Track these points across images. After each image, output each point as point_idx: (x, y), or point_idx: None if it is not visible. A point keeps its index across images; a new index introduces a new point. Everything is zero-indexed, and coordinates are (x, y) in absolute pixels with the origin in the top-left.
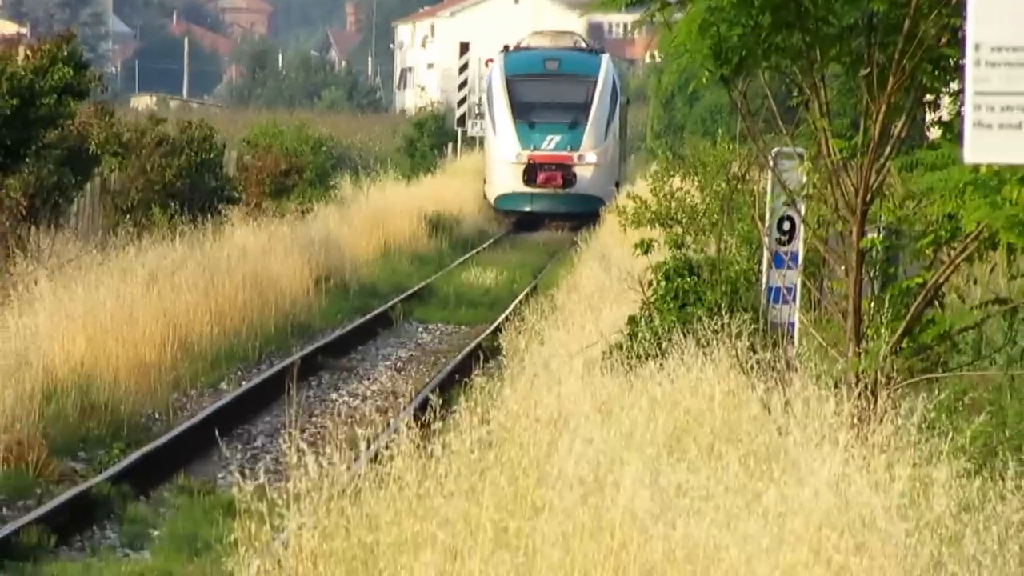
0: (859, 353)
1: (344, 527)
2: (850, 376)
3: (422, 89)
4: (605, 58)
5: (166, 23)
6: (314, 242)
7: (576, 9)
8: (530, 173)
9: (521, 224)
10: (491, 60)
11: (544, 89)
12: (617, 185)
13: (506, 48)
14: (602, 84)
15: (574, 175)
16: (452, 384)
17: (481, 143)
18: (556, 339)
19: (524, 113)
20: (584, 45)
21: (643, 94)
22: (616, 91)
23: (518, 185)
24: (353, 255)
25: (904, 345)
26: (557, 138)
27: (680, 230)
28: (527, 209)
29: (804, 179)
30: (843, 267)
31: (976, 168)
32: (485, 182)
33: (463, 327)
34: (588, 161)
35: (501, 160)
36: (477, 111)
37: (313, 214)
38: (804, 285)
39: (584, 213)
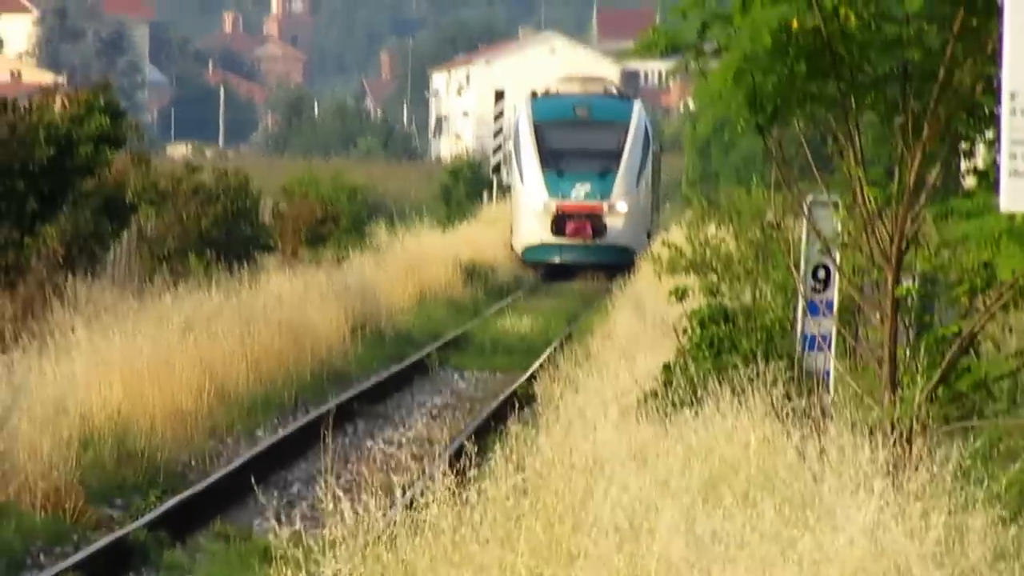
0: (894, 401)
1: (380, 574)
2: (885, 423)
3: (457, 137)
4: (637, 104)
5: (202, 72)
6: (350, 290)
7: (612, 57)
8: (558, 223)
9: (555, 272)
10: None
11: (574, 136)
12: (649, 235)
13: (534, 94)
14: (634, 131)
15: (604, 225)
16: (488, 431)
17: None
18: (591, 386)
19: (553, 161)
20: (615, 91)
21: (678, 142)
22: (648, 138)
23: (546, 235)
24: (389, 302)
25: (939, 393)
26: (587, 186)
27: (715, 278)
28: (555, 261)
29: (839, 227)
30: (878, 315)
31: (1012, 216)
32: (511, 232)
33: (498, 374)
34: (619, 210)
35: (528, 209)
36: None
37: (349, 262)
38: (839, 333)
39: (614, 265)
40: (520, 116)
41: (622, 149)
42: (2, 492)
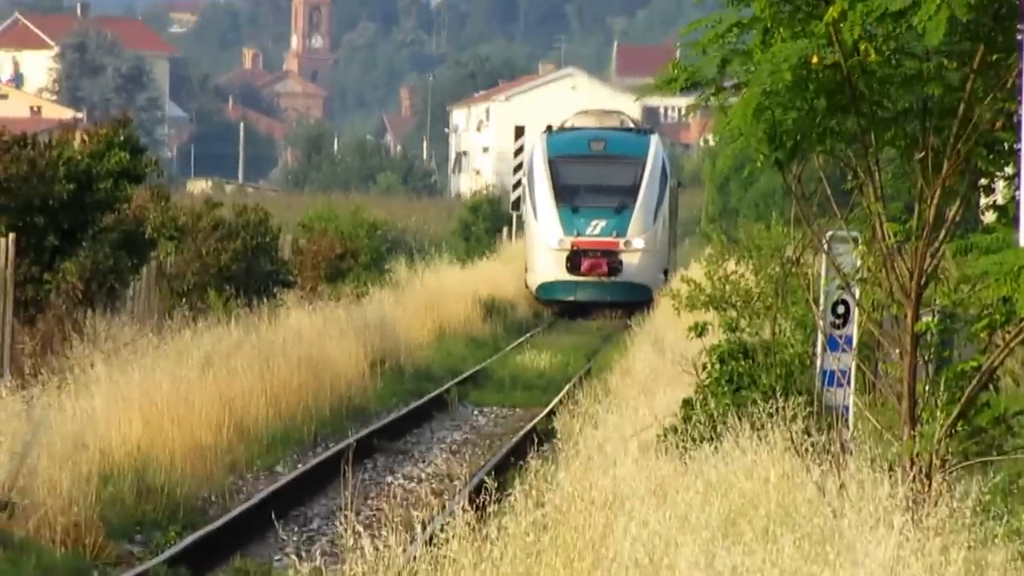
0: (914, 436)
1: None
2: (905, 459)
3: (477, 173)
4: (654, 138)
5: (222, 108)
6: (369, 325)
7: (632, 93)
8: (574, 260)
9: (571, 310)
10: None
11: (589, 171)
12: (666, 273)
13: (549, 128)
14: (651, 166)
15: (620, 262)
16: (507, 467)
17: None
18: (610, 422)
19: (568, 196)
20: (632, 125)
21: (698, 178)
22: (666, 173)
23: (561, 273)
24: (408, 338)
25: (959, 428)
26: (603, 223)
27: (734, 313)
28: (570, 299)
29: (859, 263)
30: (898, 350)
31: None
32: (526, 270)
33: (518, 410)
34: (635, 247)
35: (543, 246)
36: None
37: (368, 297)
38: (859, 368)
39: (631, 303)
40: (535, 151)
41: (639, 184)
42: (22, 527)
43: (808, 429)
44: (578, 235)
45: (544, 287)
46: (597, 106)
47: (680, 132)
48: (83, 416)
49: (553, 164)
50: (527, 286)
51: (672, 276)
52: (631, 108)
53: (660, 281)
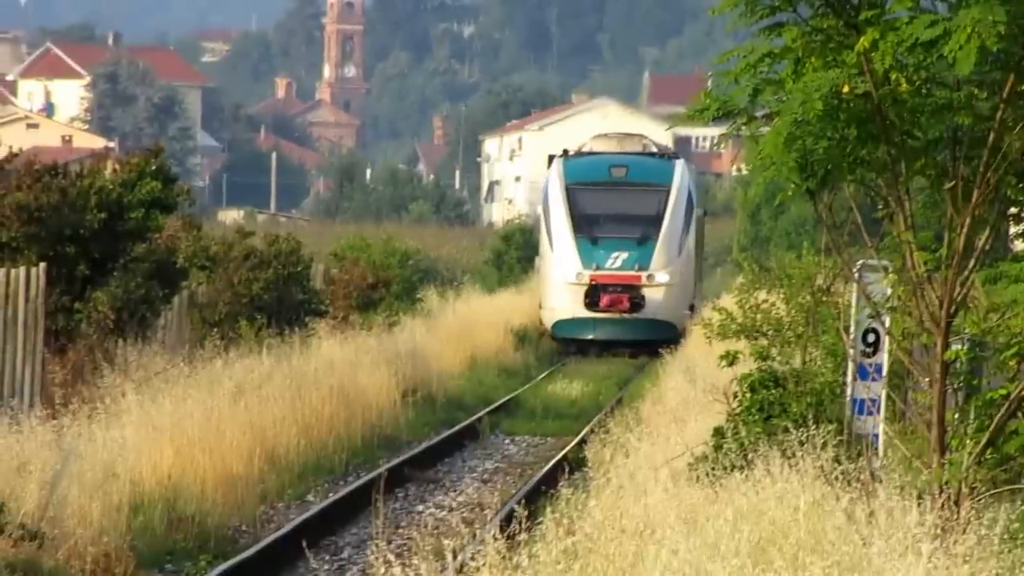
0: (943, 464)
1: None
2: (934, 487)
3: (509, 202)
4: (679, 164)
5: (254, 137)
6: (401, 355)
7: (663, 122)
8: (592, 295)
9: (592, 347)
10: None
11: (609, 199)
12: (692, 308)
13: (565, 152)
14: (676, 194)
15: (643, 298)
16: (538, 495)
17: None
18: (641, 451)
19: (586, 227)
20: (655, 149)
21: (730, 207)
22: (692, 202)
23: (578, 309)
24: (440, 367)
25: (988, 456)
26: (624, 255)
27: (765, 342)
28: (589, 337)
29: (889, 291)
30: (927, 379)
31: None
32: (540, 306)
33: (549, 439)
34: (659, 282)
35: (559, 280)
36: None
37: (400, 327)
38: (888, 396)
39: (654, 342)
40: (550, 177)
41: (663, 214)
42: (52, 557)
43: (838, 457)
44: (597, 268)
45: (560, 325)
46: None
47: (712, 161)
48: (114, 445)
49: (570, 191)
50: (541, 323)
51: (699, 312)
52: (663, 137)
53: (685, 318)
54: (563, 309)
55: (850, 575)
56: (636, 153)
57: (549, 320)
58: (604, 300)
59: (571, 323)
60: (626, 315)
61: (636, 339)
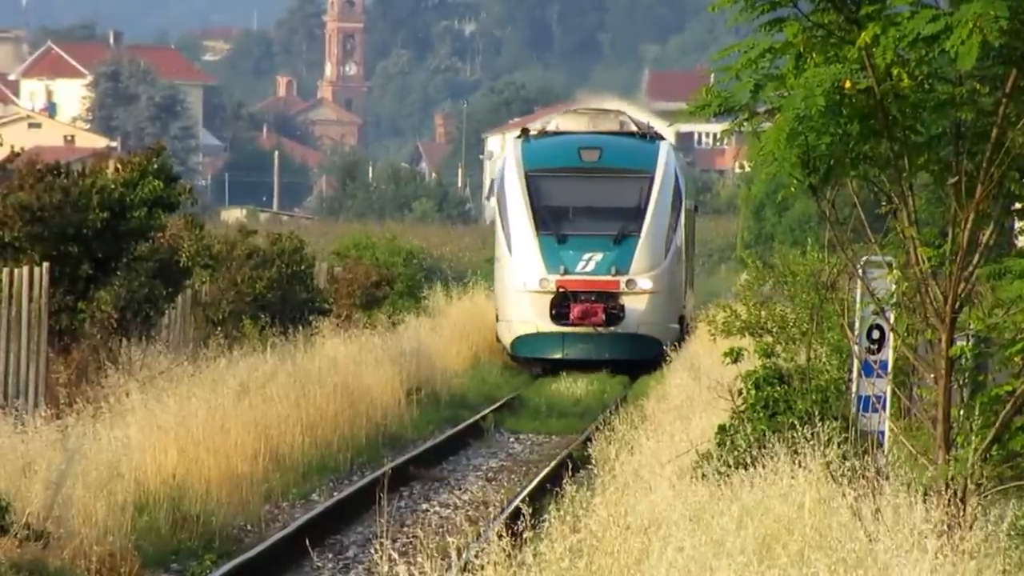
0: (948, 460)
1: None
2: (940, 483)
3: None
4: (664, 146)
5: (256, 136)
6: (405, 353)
7: (665, 118)
8: (560, 306)
9: (562, 367)
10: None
11: (579, 189)
12: (682, 320)
13: (525, 132)
14: (660, 181)
15: (621, 308)
16: (543, 493)
17: None
18: (646, 448)
19: (551, 223)
20: (635, 127)
21: (733, 204)
22: (680, 192)
23: (543, 323)
24: (444, 365)
25: (993, 452)
26: (598, 257)
27: (770, 339)
28: (556, 357)
29: (893, 288)
30: (932, 375)
31: None
32: (497, 319)
33: (554, 437)
34: (641, 288)
35: (519, 289)
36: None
37: (404, 325)
38: (894, 393)
39: (636, 361)
40: (506, 163)
41: (644, 206)
42: (57, 557)
43: (844, 454)
44: (565, 273)
45: (521, 342)
46: None
47: (715, 158)
48: (118, 445)
49: (531, 180)
50: (498, 340)
51: (691, 325)
52: (665, 134)
53: (674, 332)
54: (524, 323)
55: (856, 572)
56: (612, 133)
57: (507, 336)
58: (575, 311)
59: (534, 340)
60: (601, 329)
61: (613, 359)
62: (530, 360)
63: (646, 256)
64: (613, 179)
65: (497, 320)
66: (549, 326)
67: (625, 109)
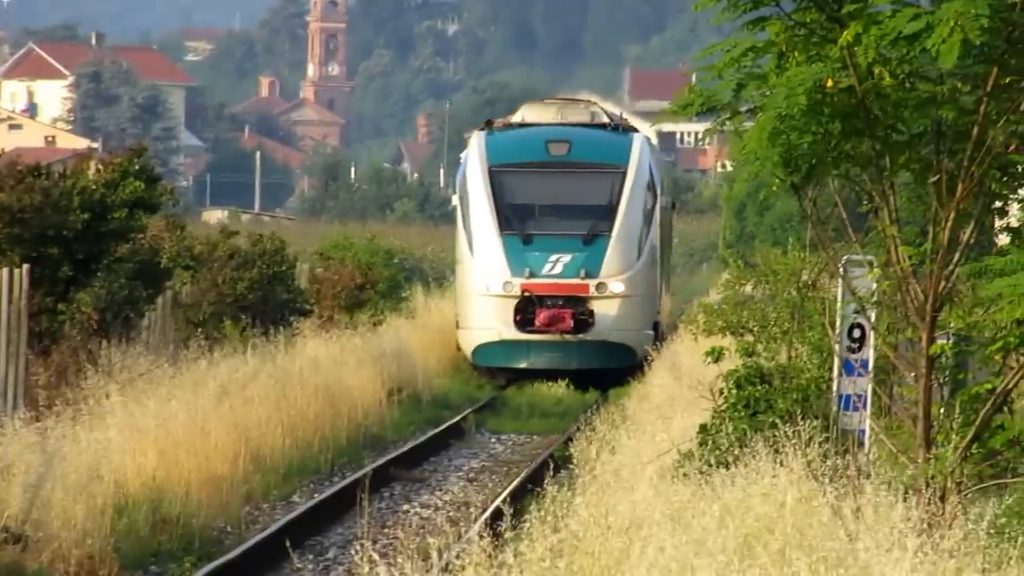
0: (929, 459)
1: None
2: (920, 482)
3: None
4: (638, 139)
5: (237, 136)
6: (386, 354)
7: (647, 118)
8: (525, 311)
9: (527, 376)
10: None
11: (546, 185)
12: (657, 327)
13: (488, 124)
14: (633, 177)
15: (591, 313)
16: (524, 494)
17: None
18: (627, 448)
19: (516, 222)
20: (606, 119)
21: (715, 204)
22: (655, 188)
23: (507, 330)
24: (425, 366)
25: (974, 451)
26: (566, 259)
27: (751, 338)
28: (521, 366)
29: (874, 286)
30: (913, 373)
31: None
32: (457, 326)
33: (535, 437)
34: (613, 292)
35: (481, 292)
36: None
37: (385, 326)
38: (874, 392)
39: (607, 371)
40: (468, 158)
41: (616, 203)
42: (36, 560)
43: (824, 453)
44: (531, 276)
45: (483, 350)
46: None
47: (697, 157)
48: (98, 447)
49: (494, 176)
50: (459, 348)
51: (668, 332)
52: (647, 133)
53: (648, 339)
54: (486, 329)
55: (836, 571)
56: (582, 124)
57: (468, 344)
58: (541, 317)
59: (497, 348)
60: (569, 337)
61: (583, 368)
62: (493, 370)
63: (618, 257)
64: (582, 174)
65: (457, 327)
66: (513, 333)
67: (609, 108)
